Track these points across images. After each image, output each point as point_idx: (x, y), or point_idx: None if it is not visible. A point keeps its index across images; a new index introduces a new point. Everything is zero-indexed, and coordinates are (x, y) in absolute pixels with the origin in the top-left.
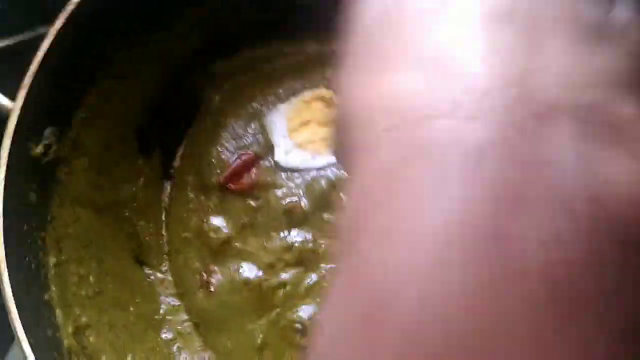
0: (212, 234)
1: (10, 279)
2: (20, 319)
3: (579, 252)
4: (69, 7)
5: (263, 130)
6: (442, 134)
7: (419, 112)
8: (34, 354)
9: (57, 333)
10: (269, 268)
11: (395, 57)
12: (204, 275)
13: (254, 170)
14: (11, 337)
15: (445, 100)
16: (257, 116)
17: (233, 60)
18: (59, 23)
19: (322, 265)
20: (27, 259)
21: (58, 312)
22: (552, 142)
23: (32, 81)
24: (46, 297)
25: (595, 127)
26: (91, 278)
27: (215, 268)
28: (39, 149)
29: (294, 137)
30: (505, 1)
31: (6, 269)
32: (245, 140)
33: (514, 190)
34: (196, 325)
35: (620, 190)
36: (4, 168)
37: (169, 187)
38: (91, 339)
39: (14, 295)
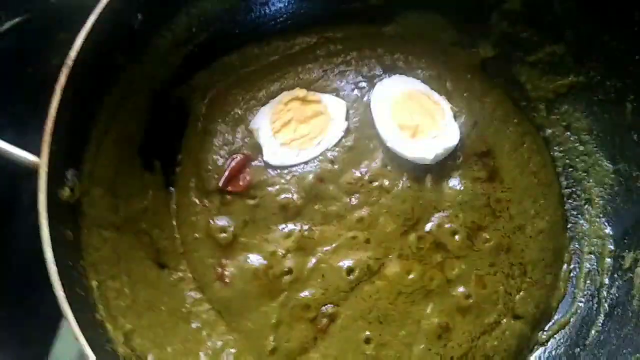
0: (219, 233)
1: (75, 316)
2: (90, 347)
3: None
4: (68, 62)
5: (250, 133)
6: None
7: None
8: None
9: (112, 345)
10: (273, 257)
11: None
12: (218, 269)
13: (247, 171)
14: None
15: None
16: (243, 121)
17: (211, 69)
18: (62, 79)
19: (319, 249)
20: (77, 290)
21: (108, 326)
22: None
23: (51, 136)
24: (97, 316)
25: None
26: (126, 289)
27: (227, 262)
28: (67, 192)
29: (279, 137)
30: None
31: (69, 308)
32: (236, 144)
33: None
34: (218, 312)
35: None
36: (45, 221)
37: (174, 196)
38: (137, 341)
39: (80, 329)
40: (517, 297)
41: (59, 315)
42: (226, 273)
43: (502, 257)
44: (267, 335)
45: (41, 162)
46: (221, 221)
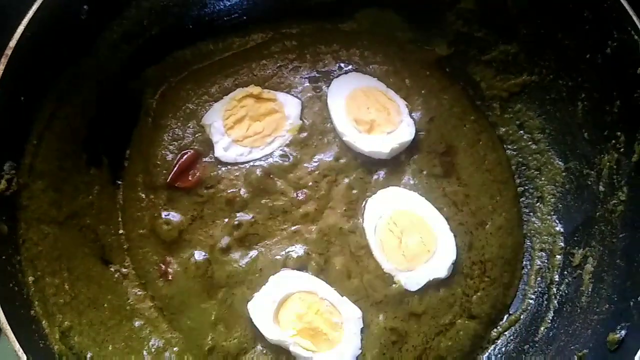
0: (164, 229)
1: (4, 311)
2: (18, 342)
3: None
4: (7, 52)
5: (201, 129)
6: None
7: None
8: None
9: (47, 342)
10: (215, 252)
11: None
12: (162, 266)
13: (197, 167)
14: None
15: None
16: (194, 116)
17: (163, 64)
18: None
19: (261, 243)
20: (11, 285)
21: (44, 323)
22: None
23: None
24: (32, 313)
25: None
26: (66, 286)
27: (171, 259)
28: (3, 184)
29: (231, 133)
30: None
31: None
32: (186, 140)
33: None
34: (160, 310)
35: None
36: None
37: (121, 191)
38: (76, 339)
39: (9, 323)
40: (475, 297)
41: None
42: (170, 270)
43: (464, 256)
44: (206, 333)
45: None
46: (167, 217)
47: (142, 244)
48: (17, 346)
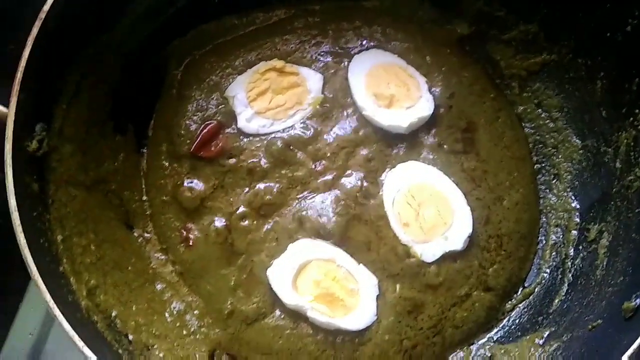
0: (186, 196)
1: (35, 262)
2: (49, 293)
3: None
4: (41, 15)
5: (225, 101)
6: None
7: None
8: (65, 317)
9: (75, 297)
10: (234, 220)
11: None
12: (183, 232)
13: (220, 137)
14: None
15: None
16: (218, 88)
17: (187, 37)
18: (34, 31)
19: (277, 212)
20: (41, 240)
21: (72, 279)
22: None
23: (20, 87)
24: (61, 269)
25: None
26: (92, 247)
27: (192, 225)
28: (34, 144)
29: (254, 105)
30: None
31: (30, 254)
32: (210, 111)
33: None
34: (181, 275)
35: None
36: (10, 169)
37: (145, 158)
38: (101, 297)
39: (40, 274)
40: (491, 270)
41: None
42: (191, 236)
43: (480, 230)
44: (225, 298)
45: (9, 111)
46: (190, 185)
47: (165, 210)
48: (48, 297)
